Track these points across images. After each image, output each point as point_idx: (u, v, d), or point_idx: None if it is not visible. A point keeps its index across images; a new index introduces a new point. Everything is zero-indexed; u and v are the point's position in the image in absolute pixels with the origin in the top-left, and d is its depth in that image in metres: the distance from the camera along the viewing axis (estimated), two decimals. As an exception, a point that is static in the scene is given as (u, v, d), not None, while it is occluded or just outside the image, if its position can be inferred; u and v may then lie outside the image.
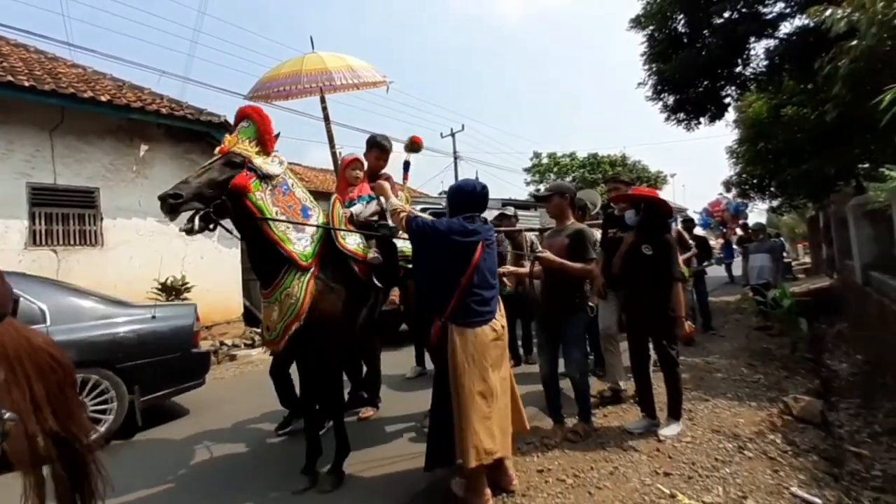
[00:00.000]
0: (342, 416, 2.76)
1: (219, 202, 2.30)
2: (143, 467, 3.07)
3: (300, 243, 2.57)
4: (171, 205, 2.13)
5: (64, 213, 5.95)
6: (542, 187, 22.14)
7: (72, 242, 5.98)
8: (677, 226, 6.03)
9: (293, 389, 3.43)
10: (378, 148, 3.51)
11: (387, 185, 2.90)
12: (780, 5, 8.53)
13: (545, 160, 23.75)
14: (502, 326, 2.31)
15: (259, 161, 2.47)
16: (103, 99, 5.88)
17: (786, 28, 8.68)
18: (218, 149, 2.46)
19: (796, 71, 8.32)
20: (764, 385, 3.96)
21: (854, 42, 4.37)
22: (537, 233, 5.02)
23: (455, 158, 23.65)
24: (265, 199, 2.47)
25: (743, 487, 2.31)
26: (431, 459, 2.32)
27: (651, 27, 9.76)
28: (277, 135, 2.61)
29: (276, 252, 2.47)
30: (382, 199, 2.92)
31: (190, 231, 2.26)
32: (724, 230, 13.31)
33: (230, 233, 2.54)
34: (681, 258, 4.79)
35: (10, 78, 5.21)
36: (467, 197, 2.39)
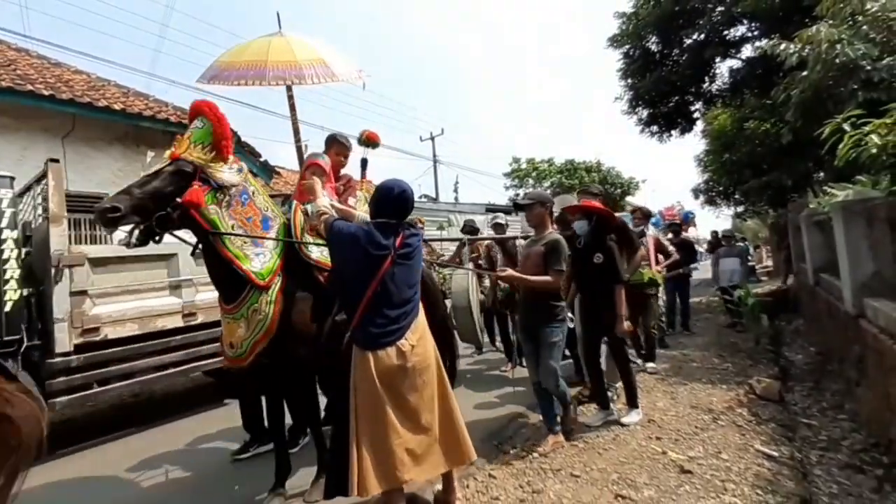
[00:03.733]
0: (320, 427, 2.71)
1: (163, 214, 2.13)
2: (85, 490, 3.01)
3: (258, 259, 2.40)
4: (107, 218, 1.99)
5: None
6: (521, 192, 22.76)
7: (83, 247, 6.17)
8: (654, 231, 6.31)
9: (262, 414, 3.17)
10: (337, 144, 3.32)
11: (317, 183, 2.53)
12: (742, 29, 9.46)
13: (524, 165, 24.29)
14: (412, 347, 2.07)
15: (214, 170, 2.25)
16: (117, 107, 6.12)
17: (747, 51, 9.62)
18: (168, 152, 2.24)
19: (756, 89, 9.22)
20: (732, 372, 4.63)
21: (804, 73, 5.10)
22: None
23: (434, 162, 24.13)
24: (220, 213, 2.28)
25: (718, 446, 2.90)
26: (331, 486, 2.16)
27: (627, 46, 10.58)
28: (237, 137, 2.58)
29: (234, 269, 2.32)
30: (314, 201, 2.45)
31: (129, 245, 2.15)
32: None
33: (184, 241, 2.40)
34: (658, 266, 5.23)
35: (30, 87, 5.42)
36: (382, 201, 2.14)
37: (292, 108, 3.92)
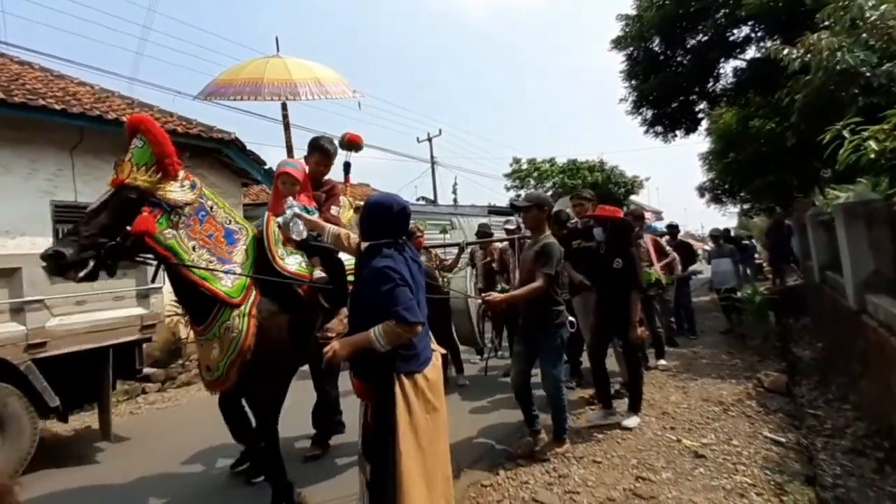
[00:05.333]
0: (277, 451, 2.57)
1: (113, 244, 2.05)
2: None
3: (228, 277, 2.34)
4: (55, 267, 1.95)
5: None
6: (522, 193, 22.97)
7: (93, 258, 6.44)
8: (652, 232, 6.47)
9: (248, 422, 2.90)
10: (319, 151, 3.19)
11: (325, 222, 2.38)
12: (746, 30, 9.86)
13: (525, 166, 24.38)
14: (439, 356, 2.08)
15: (164, 191, 2.17)
16: (124, 119, 6.42)
17: (751, 52, 10.01)
18: (110, 178, 2.16)
19: (761, 89, 9.60)
20: (741, 367, 4.99)
21: (808, 77, 5.45)
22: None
23: (433, 164, 24.41)
24: (177, 236, 2.21)
25: (729, 434, 3.25)
26: None
27: (631, 48, 10.96)
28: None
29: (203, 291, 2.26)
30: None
31: (76, 280, 2.04)
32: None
33: (146, 263, 2.33)
34: (658, 265, 5.40)
35: (41, 102, 5.71)
36: (383, 220, 1.98)
37: (286, 126, 4.12)
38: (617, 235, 3.57)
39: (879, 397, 3.29)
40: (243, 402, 2.83)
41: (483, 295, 3.20)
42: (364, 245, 2.04)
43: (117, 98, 7.50)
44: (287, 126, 4.12)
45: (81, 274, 2.01)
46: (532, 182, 23.52)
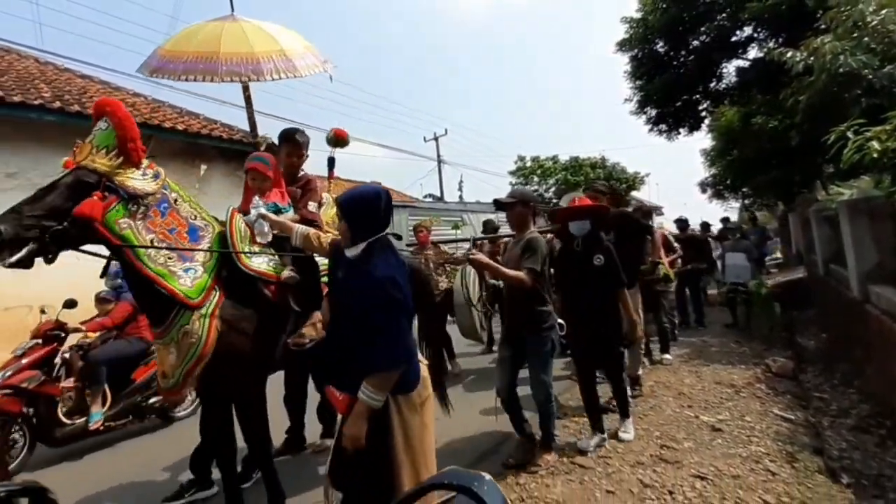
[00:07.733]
0: (271, 461, 2.40)
1: (58, 229, 1.80)
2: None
3: (187, 276, 2.07)
4: None
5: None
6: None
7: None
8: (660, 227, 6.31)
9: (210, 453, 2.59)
10: (288, 142, 2.81)
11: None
12: (748, 30, 9.78)
13: (529, 163, 24.17)
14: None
15: (123, 177, 1.95)
16: (180, 128, 6.72)
17: (754, 52, 9.94)
18: (64, 160, 1.95)
19: (764, 87, 9.52)
20: (749, 354, 5.08)
21: (811, 79, 5.48)
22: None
23: (439, 163, 24.40)
24: (134, 227, 1.97)
25: (742, 411, 3.40)
26: None
27: (635, 50, 10.95)
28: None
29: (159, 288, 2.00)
30: None
31: (5, 265, 1.75)
32: None
33: (96, 255, 2.05)
34: (666, 260, 5.19)
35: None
36: (373, 213, 1.74)
37: (248, 100, 3.67)
38: (597, 227, 3.08)
39: (882, 380, 3.38)
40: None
41: (470, 251, 2.93)
42: (360, 246, 1.71)
43: (168, 108, 7.79)
44: (248, 99, 3.65)
45: (13, 259, 1.72)
46: (536, 179, 23.43)
